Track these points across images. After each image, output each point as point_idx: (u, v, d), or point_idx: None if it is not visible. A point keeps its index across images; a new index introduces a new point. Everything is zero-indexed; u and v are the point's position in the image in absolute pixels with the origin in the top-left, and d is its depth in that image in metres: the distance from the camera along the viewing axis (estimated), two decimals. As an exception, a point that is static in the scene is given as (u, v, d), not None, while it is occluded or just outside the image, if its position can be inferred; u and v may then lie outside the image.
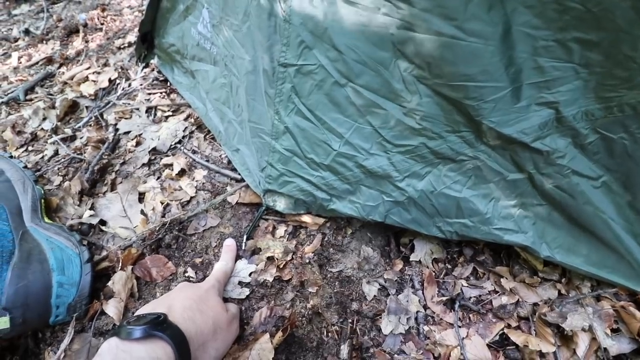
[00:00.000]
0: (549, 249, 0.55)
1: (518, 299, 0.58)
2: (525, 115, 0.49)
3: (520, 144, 0.50)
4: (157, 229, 0.64)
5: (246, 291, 0.62)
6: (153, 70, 1.01)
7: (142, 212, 0.68)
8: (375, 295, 0.61)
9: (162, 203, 0.69)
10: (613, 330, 0.52)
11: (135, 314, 0.45)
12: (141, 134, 0.83)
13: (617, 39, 0.42)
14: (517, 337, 0.52)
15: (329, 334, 0.58)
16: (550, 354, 0.53)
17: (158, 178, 0.75)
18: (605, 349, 0.51)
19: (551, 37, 0.44)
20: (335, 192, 0.62)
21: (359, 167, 0.59)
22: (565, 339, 0.53)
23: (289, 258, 0.65)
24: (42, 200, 0.69)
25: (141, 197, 0.72)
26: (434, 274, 0.62)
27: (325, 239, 0.68)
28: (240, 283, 0.63)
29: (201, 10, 0.72)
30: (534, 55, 0.46)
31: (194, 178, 0.74)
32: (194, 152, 0.79)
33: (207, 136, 0.83)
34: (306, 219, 0.69)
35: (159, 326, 0.39)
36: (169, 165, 0.75)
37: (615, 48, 0.43)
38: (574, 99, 0.47)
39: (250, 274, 0.64)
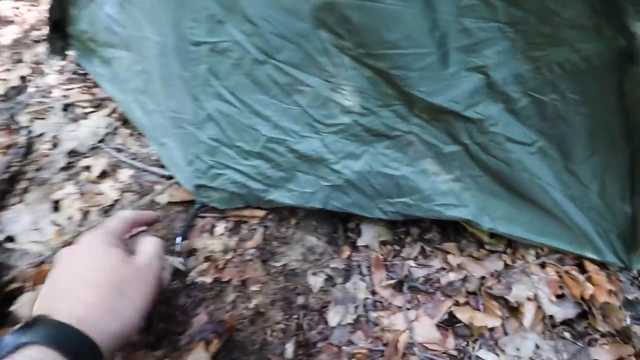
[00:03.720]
0: (491, 221, 0.53)
1: (466, 274, 0.56)
2: (455, 82, 0.46)
3: (453, 113, 0.47)
4: (70, 240, 0.57)
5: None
6: (71, 62, 0.91)
7: (54, 222, 0.60)
8: (321, 287, 0.58)
9: (80, 210, 0.62)
10: (558, 296, 0.52)
11: None
12: (57, 134, 0.74)
13: (539, -8, 0.39)
14: (463, 315, 0.51)
15: (274, 333, 0.54)
16: (499, 327, 0.52)
17: (77, 183, 0.67)
18: (550, 316, 0.50)
19: (474, -6, 0.41)
20: (271, 181, 0.57)
21: (291, 152, 0.54)
22: (512, 310, 0.52)
23: (229, 256, 0.61)
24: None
25: (58, 206, 0.64)
26: (381, 257, 0.60)
27: (268, 231, 0.63)
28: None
29: (105, -12, 0.63)
30: (458, 16, 0.43)
31: (117, 179, 0.66)
32: (119, 150, 0.71)
33: (134, 132, 0.75)
34: (245, 212, 0.64)
35: (27, 331, 0.30)
36: (88, 168, 0.67)
37: (539, 2, 0.40)
38: (503, 61, 0.45)
39: (186, 276, 0.58)
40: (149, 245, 0.40)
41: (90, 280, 0.34)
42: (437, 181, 0.52)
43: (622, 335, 0.50)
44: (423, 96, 0.46)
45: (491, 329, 0.52)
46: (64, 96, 0.82)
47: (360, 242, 0.61)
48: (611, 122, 0.45)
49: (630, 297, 0.55)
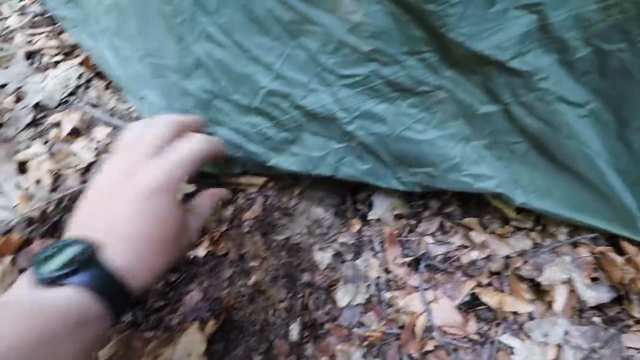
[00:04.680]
0: (524, 195, 0.47)
1: (489, 253, 0.50)
2: (502, 24, 0.37)
3: (496, 64, 0.39)
4: (45, 207, 0.49)
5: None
6: (34, 2, 0.78)
7: (20, 186, 0.52)
8: (329, 263, 0.52)
9: (51, 172, 0.53)
10: (593, 280, 0.47)
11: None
12: (21, 86, 0.64)
13: None
14: (490, 298, 0.45)
15: (276, 312, 0.49)
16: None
17: (46, 142, 0.58)
18: (582, 300, 0.46)
19: None
20: (272, 142, 0.49)
21: (297, 108, 0.46)
22: (541, 293, 0.47)
23: (224, 228, 0.54)
24: None
25: (25, 168, 0.55)
26: (396, 232, 0.53)
27: (268, 202, 0.56)
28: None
29: None
30: None
31: (93, 138, 0.57)
32: (94, 105, 0.62)
33: (111, 84, 0.65)
34: (242, 180, 0.56)
35: (82, 266, 0.26)
36: (58, 124, 0.58)
37: None
38: (564, -3, 0.36)
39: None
40: (206, 201, 0.39)
41: (139, 232, 0.30)
42: (467, 148, 0.45)
43: (657, 321, 0.46)
44: (462, 40, 0.37)
45: (515, 312, 0.47)
46: (28, 42, 0.71)
47: (371, 215, 0.54)
48: (687, 79, 0.38)
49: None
